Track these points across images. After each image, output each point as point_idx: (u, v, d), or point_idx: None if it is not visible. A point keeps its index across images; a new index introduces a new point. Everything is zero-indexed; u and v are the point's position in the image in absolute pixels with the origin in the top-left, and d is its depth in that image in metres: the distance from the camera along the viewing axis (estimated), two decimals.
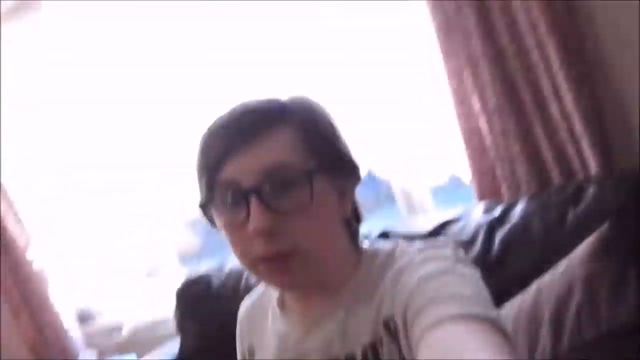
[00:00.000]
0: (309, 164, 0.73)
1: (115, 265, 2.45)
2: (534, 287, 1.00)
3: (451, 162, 1.74)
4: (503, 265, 1.25)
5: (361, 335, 0.75)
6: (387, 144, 1.80)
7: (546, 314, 0.93)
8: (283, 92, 0.80)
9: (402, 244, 0.82)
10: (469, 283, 0.67)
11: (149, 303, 2.35)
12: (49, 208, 2.42)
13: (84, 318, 2.48)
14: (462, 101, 1.61)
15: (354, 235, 0.84)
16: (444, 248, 0.76)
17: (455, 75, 1.60)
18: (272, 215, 0.70)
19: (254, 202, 0.70)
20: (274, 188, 0.71)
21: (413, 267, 0.73)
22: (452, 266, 0.71)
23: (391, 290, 0.73)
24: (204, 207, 0.77)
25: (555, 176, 1.49)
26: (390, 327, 0.72)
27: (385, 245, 0.83)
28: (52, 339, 2.37)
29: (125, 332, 2.30)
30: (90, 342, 2.44)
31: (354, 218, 0.84)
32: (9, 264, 2.36)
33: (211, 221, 0.77)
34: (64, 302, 2.42)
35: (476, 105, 1.58)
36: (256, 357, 0.90)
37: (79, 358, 2.25)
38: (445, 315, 0.60)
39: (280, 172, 0.72)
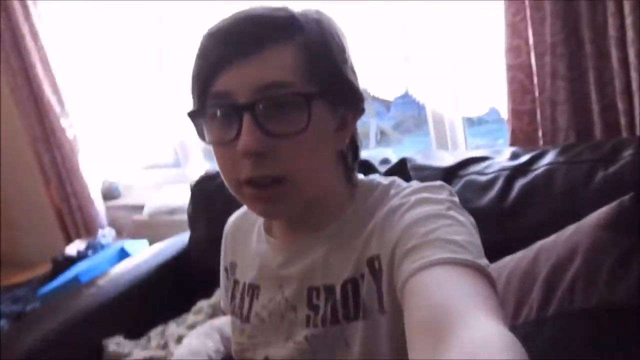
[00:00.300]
0: (310, 87, 0.68)
1: (144, 150, 2.50)
2: (536, 245, 0.94)
3: (492, 95, 1.64)
4: (515, 216, 1.18)
5: (343, 269, 0.73)
6: (427, 66, 1.70)
7: (541, 275, 0.88)
8: (297, 4, 0.73)
9: (399, 182, 0.79)
10: (461, 229, 0.65)
11: (171, 191, 2.39)
12: (88, 81, 2.45)
13: (108, 195, 2.57)
14: (516, 32, 1.47)
15: (349, 169, 0.80)
16: (440, 192, 0.73)
17: (514, 4, 1.45)
18: (263, 136, 0.66)
19: (246, 120, 0.66)
20: (270, 108, 0.66)
21: (406, 208, 0.70)
22: (446, 211, 0.68)
23: (381, 228, 0.71)
24: (194, 116, 0.72)
25: (598, 131, 1.37)
26: (374, 265, 0.70)
27: (381, 181, 0.80)
28: (77, 209, 2.47)
29: (145, 212, 2.36)
30: (111, 218, 2.54)
31: (352, 152, 0.80)
32: (43, 130, 2.43)
33: (200, 133, 0.73)
34: (92, 175, 2.49)
35: (530, 39, 1.45)
36: (237, 274, 0.90)
37: (99, 234, 2.34)
38: (434, 258, 0.59)
39: (279, 91, 0.66)
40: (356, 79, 0.75)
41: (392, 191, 0.76)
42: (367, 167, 1.44)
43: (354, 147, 0.81)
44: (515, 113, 1.52)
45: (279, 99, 0.66)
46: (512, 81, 1.50)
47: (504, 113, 1.58)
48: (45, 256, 2.45)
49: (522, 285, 0.91)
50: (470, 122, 1.93)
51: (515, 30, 1.47)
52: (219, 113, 0.69)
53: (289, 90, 0.67)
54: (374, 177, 0.82)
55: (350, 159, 0.80)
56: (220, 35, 0.69)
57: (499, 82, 1.54)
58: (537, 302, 0.86)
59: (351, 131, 0.77)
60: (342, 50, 0.73)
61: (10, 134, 2.69)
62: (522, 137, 1.52)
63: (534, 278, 0.89)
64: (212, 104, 0.69)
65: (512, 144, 1.54)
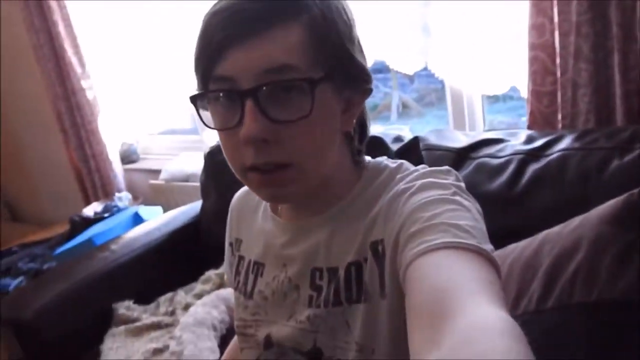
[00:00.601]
0: (316, 70, 0.65)
1: (163, 114, 2.50)
2: (541, 235, 0.92)
3: (513, 74, 1.59)
4: (525, 202, 1.15)
5: (347, 252, 0.73)
6: (448, 41, 1.65)
7: (543, 266, 0.86)
8: None
9: (406, 165, 0.77)
10: (466, 214, 0.63)
11: (188, 157, 2.40)
12: (109, 43, 2.44)
13: (126, 158, 2.59)
14: (540, 10, 1.42)
15: (355, 151, 0.78)
16: (446, 177, 0.71)
17: None
18: (266, 123, 0.64)
19: (249, 106, 0.64)
20: (274, 93, 0.64)
21: (411, 193, 0.69)
22: (451, 196, 0.66)
23: (386, 212, 0.70)
24: (196, 100, 0.70)
25: (619, 116, 1.32)
26: (377, 250, 0.70)
27: (388, 164, 0.78)
28: (95, 170, 2.49)
29: (162, 177, 2.38)
30: (128, 181, 2.57)
31: (360, 133, 0.78)
32: (64, 90, 2.44)
33: (201, 116, 0.71)
34: (111, 137, 2.51)
35: (555, 17, 1.39)
36: (242, 250, 0.90)
37: (116, 197, 2.37)
38: (437, 242, 0.58)
39: (284, 76, 0.64)
40: (364, 57, 0.73)
41: (399, 175, 0.74)
42: (379, 145, 1.42)
43: (362, 128, 0.79)
44: (535, 94, 1.47)
45: (284, 84, 0.64)
46: (533, 61, 1.45)
47: (524, 93, 1.54)
48: (64, 216, 2.50)
49: (524, 275, 0.89)
50: (495, 98, 1.87)
51: (540, 7, 1.41)
52: (221, 97, 0.67)
53: (294, 75, 0.64)
54: (382, 159, 0.80)
55: (357, 140, 0.78)
56: (225, 14, 0.65)
57: (521, 61, 1.49)
58: (537, 293, 0.85)
59: (358, 112, 0.75)
60: (349, 27, 0.70)
61: (33, 94, 2.71)
62: (540, 119, 1.47)
63: (536, 268, 0.88)
64: (215, 88, 0.67)
65: (530, 126, 1.50)
